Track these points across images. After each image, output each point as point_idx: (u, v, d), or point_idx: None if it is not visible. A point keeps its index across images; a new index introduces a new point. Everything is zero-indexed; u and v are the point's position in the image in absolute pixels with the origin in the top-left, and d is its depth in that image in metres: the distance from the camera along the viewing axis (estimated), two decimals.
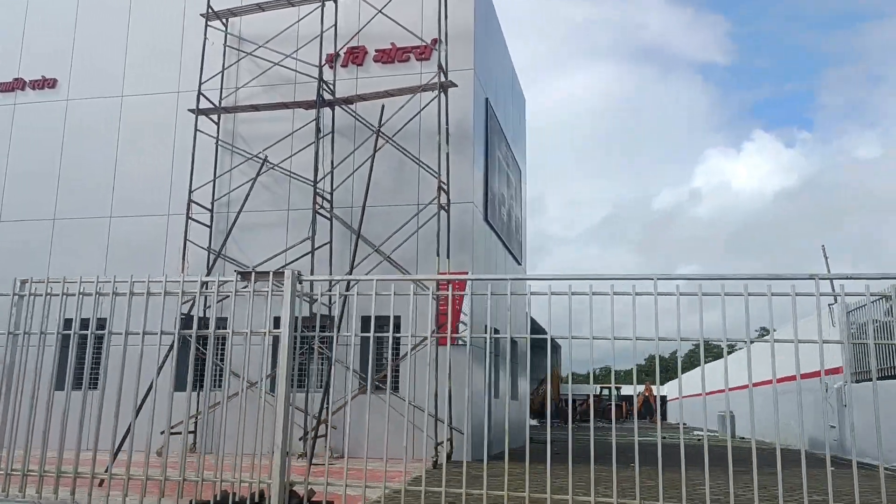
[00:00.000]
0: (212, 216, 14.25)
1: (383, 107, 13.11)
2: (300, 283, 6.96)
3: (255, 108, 14.01)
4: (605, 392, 52.42)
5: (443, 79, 12.76)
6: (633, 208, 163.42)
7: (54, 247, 15.15)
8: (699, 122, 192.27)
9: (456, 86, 13.00)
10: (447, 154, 12.97)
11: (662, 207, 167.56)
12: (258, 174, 13.53)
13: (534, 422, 37.51)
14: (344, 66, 14.52)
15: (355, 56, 14.48)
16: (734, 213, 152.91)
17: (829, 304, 18.55)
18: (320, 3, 13.95)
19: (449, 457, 12.12)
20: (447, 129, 12.99)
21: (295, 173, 13.68)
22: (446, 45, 13.25)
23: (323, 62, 13.64)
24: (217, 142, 14.41)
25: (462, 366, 11.63)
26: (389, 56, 14.31)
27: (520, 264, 19.12)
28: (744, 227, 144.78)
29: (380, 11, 13.53)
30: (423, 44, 13.99)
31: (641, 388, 56.57)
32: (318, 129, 12.99)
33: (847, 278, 5.97)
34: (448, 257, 12.55)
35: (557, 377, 45.11)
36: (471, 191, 13.48)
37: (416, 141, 13.32)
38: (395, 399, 11.61)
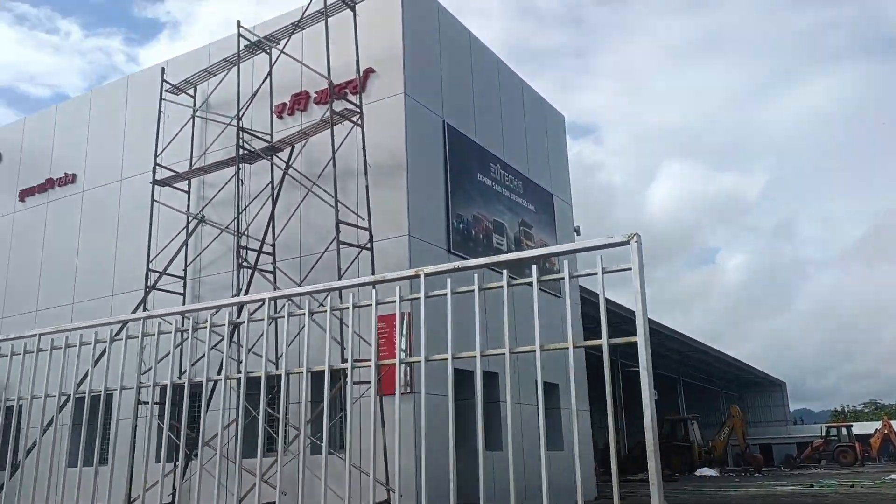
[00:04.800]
0: (185, 283, 14.33)
1: (292, 147, 12.49)
2: None
3: (204, 170, 14.01)
4: (834, 433, 45.06)
5: (344, 109, 11.90)
6: None
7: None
8: None
9: (357, 113, 12.09)
10: (366, 187, 12.00)
11: None
12: (188, 235, 13.44)
13: (712, 472, 32.69)
14: (290, 114, 14.18)
15: (298, 102, 14.09)
16: None
17: None
18: (262, 53, 13.80)
19: None
20: (365, 159, 12.06)
21: (220, 226, 13.38)
22: (359, 74, 12.43)
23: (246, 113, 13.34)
24: (187, 212, 14.59)
25: (425, 416, 10.28)
26: (327, 96, 13.73)
27: (558, 297, 17.19)
28: None
29: (285, 55, 13.04)
30: (355, 77, 13.27)
31: (878, 424, 48.18)
32: (238, 182, 12.62)
33: None
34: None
35: (741, 419, 39.76)
36: (403, 224, 12.30)
37: (339, 181, 12.45)
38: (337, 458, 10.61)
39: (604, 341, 4.19)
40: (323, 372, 5.09)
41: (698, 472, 31.80)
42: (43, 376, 5.88)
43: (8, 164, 18.92)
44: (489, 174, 15.29)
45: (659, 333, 32.68)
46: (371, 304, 5.05)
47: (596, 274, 4.28)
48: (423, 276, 4.87)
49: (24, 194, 18.16)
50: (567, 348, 4.32)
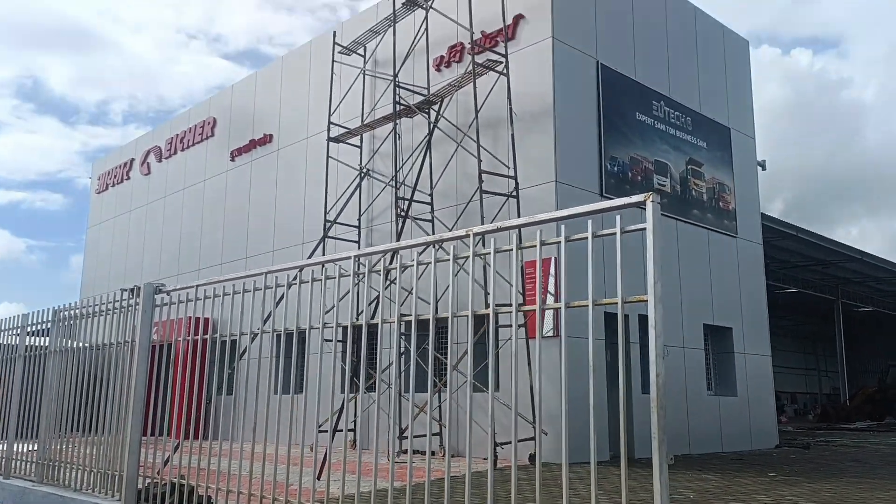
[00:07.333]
0: (359, 232, 15.61)
1: (441, 100, 12.95)
2: (166, 293, 7.80)
3: (371, 126, 14.99)
4: None
5: (487, 60, 12.13)
6: None
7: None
8: None
9: (501, 63, 12.22)
10: (511, 136, 12.24)
11: None
12: (359, 185, 14.53)
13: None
14: (447, 66, 14.65)
15: (454, 54, 14.51)
16: None
17: None
18: (419, 10, 14.37)
19: (532, 458, 11.37)
20: (510, 107, 12.29)
21: (384, 179, 14.26)
22: (504, 21, 12.54)
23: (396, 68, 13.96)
24: (360, 165, 15.76)
25: (568, 360, 10.55)
26: (480, 46, 14.00)
27: (733, 237, 16.34)
28: None
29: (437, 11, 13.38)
30: (503, 25, 13.39)
31: None
32: (395, 136, 13.41)
33: None
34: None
35: None
36: (551, 170, 12.40)
37: (491, 130, 12.78)
38: (484, 396, 11.35)
39: (619, 300, 4.29)
40: (478, 316, 5.04)
41: None
42: (247, 313, 6.36)
43: (221, 126, 21.45)
44: (650, 113, 14.77)
45: (881, 268, 29.69)
46: (512, 249, 4.83)
47: (614, 234, 4.37)
48: (472, 236, 5.15)
49: (234, 154, 20.53)
50: (587, 306, 4.47)
